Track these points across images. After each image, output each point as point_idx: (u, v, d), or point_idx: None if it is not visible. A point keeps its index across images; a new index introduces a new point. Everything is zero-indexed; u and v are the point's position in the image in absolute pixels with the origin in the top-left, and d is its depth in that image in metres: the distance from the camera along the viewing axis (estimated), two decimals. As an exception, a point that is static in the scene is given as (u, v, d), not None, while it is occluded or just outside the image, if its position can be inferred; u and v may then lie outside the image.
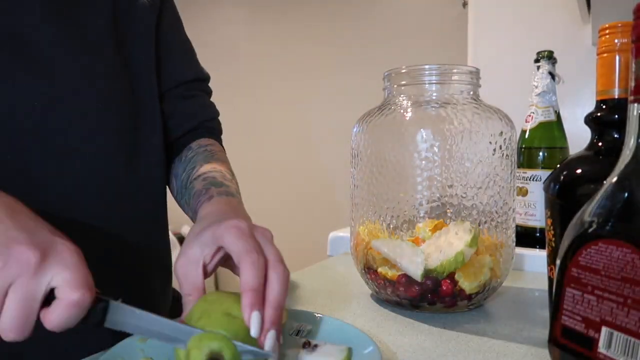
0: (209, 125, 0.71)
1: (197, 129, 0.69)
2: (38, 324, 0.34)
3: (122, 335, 0.41)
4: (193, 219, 0.56)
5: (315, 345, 0.40)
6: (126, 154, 0.58)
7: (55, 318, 0.33)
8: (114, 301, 0.36)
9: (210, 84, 0.74)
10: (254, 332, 0.35)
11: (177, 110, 0.67)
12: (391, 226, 0.56)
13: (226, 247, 0.40)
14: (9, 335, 0.32)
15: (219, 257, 0.42)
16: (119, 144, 0.57)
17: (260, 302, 0.37)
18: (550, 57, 0.77)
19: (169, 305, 0.67)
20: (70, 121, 0.52)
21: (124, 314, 0.36)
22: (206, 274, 0.42)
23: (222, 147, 0.71)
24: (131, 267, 0.59)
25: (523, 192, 0.78)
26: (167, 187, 0.67)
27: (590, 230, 0.35)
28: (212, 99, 0.73)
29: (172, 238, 2.57)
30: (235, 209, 0.50)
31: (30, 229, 0.35)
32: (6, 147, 0.49)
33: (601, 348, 0.34)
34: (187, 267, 0.41)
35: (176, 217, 0.80)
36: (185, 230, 2.80)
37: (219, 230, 0.41)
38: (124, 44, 0.59)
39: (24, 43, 0.50)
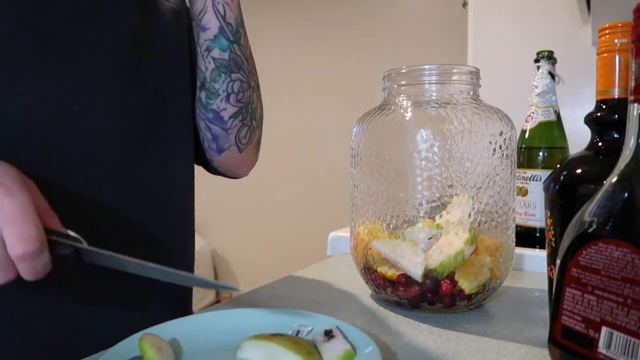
0: None
1: None
2: None
3: (121, 335, 0.41)
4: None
5: (332, 336, 0.41)
6: (153, 158, 0.59)
7: (21, 271, 0.36)
8: (82, 245, 0.39)
9: None
10: None
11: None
12: (391, 226, 0.56)
13: None
14: None
15: None
16: (145, 147, 0.58)
17: None
18: (550, 57, 0.77)
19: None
20: (97, 122, 0.53)
21: (96, 257, 0.40)
22: None
23: None
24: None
25: (523, 192, 0.78)
26: (194, 193, 0.67)
27: (590, 230, 0.35)
28: None
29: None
30: None
31: None
32: (35, 144, 0.49)
33: (601, 348, 0.34)
34: None
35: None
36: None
37: None
38: (153, 49, 0.59)
39: (52, 41, 0.50)
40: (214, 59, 0.59)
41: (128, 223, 0.56)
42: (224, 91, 0.60)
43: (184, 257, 0.66)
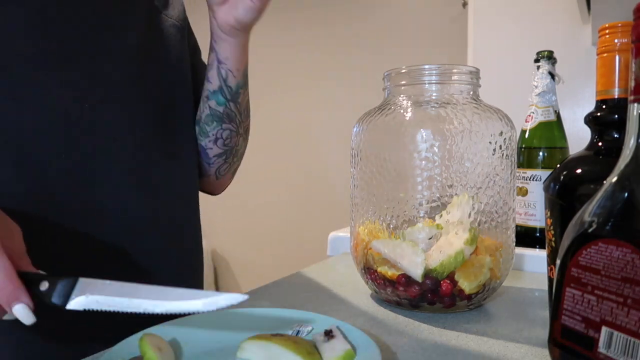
0: None
1: None
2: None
3: (121, 335, 0.41)
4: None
5: (332, 336, 0.41)
6: (164, 154, 0.61)
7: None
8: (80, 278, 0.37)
9: None
10: None
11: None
12: (391, 226, 0.56)
13: None
14: None
15: None
16: (156, 144, 0.60)
17: None
18: (550, 57, 0.77)
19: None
20: (113, 121, 0.55)
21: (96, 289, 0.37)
22: None
23: None
24: (162, 269, 0.61)
25: (523, 192, 0.78)
26: (198, 188, 0.70)
27: (590, 230, 0.35)
28: None
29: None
30: None
31: None
32: (62, 145, 0.52)
33: (601, 348, 0.34)
34: None
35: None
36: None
37: None
38: (158, 59, 0.62)
39: (68, 45, 0.52)
40: (209, 107, 0.65)
41: (142, 218, 0.58)
42: (213, 135, 0.66)
43: (195, 246, 0.69)
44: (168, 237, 0.61)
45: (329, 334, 0.41)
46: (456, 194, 0.53)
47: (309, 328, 0.44)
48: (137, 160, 0.57)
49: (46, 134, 0.50)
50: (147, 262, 0.58)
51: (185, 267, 0.65)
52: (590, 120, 0.46)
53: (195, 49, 0.74)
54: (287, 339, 0.40)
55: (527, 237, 0.77)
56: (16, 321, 0.36)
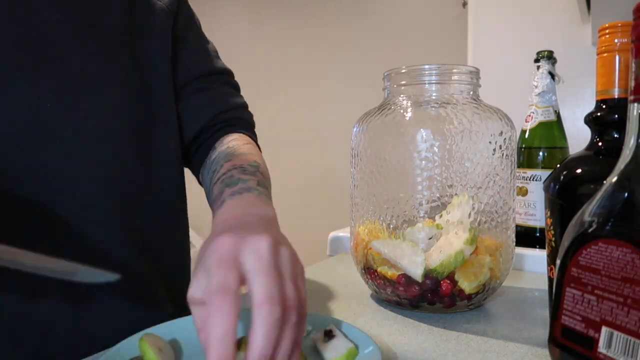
0: (231, 117, 0.68)
1: (215, 124, 0.66)
2: None
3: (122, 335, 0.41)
4: None
5: (333, 336, 0.41)
6: (141, 156, 0.58)
7: None
8: None
9: None
10: None
11: (192, 104, 0.65)
12: (391, 226, 0.56)
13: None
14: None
15: None
16: (133, 145, 0.57)
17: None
18: (550, 57, 0.77)
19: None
20: (84, 123, 0.52)
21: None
22: None
23: (252, 138, 0.68)
24: (148, 272, 0.59)
25: (523, 192, 0.78)
26: (185, 190, 0.66)
27: (590, 230, 0.35)
28: None
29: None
30: (247, 208, 0.45)
31: None
32: (19, 149, 0.49)
33: (601, 348, 0.34)
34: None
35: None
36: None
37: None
38: (140, 48, 0.59)
39: (39, 44, 0.50)
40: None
41: (113, 221, 0.55)
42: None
43: (181, 254, 0.66)
44: (145, 253, 0.58)
45: (329, 334, 0.41)
46: (456, 194, 0.53)
47: (309, 328, 0.44)
48: (110, 166, 0.54)
49: (9, 134, 0.48)
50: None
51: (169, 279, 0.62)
52: (590, 120, 0.46)
53: (185, 28, 0.67)
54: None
55: (527, 237, 0.77)
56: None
